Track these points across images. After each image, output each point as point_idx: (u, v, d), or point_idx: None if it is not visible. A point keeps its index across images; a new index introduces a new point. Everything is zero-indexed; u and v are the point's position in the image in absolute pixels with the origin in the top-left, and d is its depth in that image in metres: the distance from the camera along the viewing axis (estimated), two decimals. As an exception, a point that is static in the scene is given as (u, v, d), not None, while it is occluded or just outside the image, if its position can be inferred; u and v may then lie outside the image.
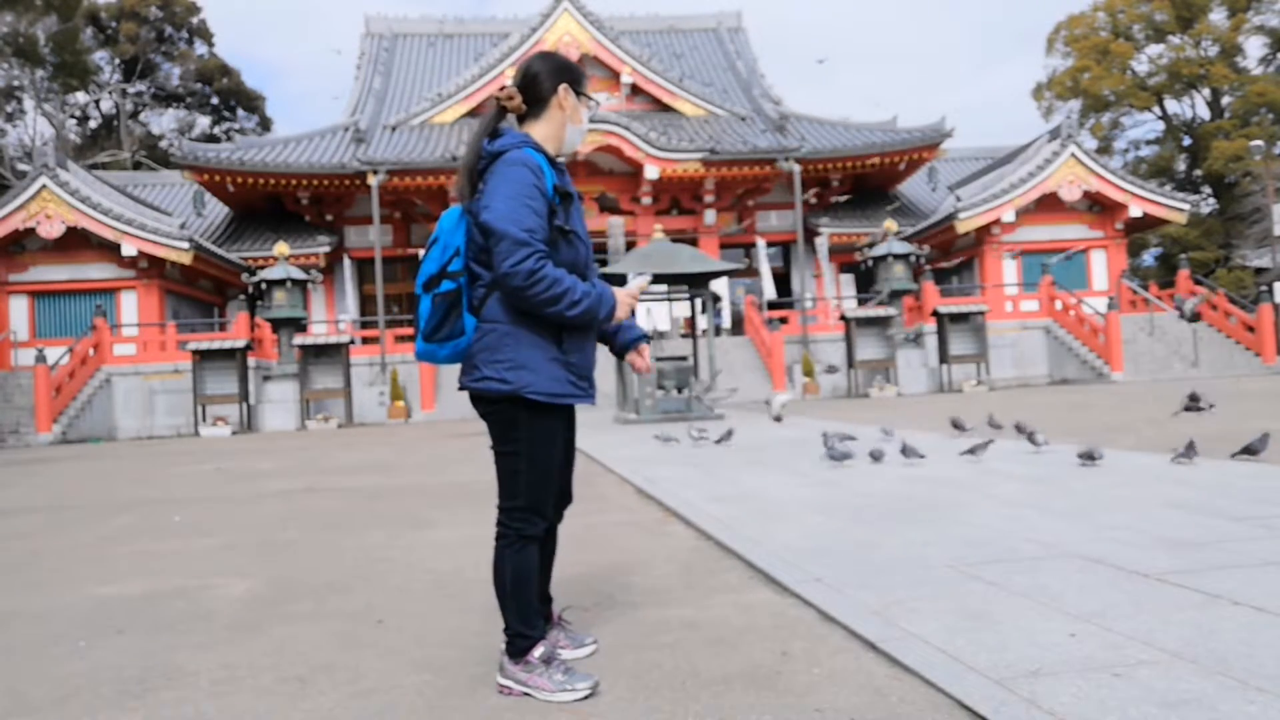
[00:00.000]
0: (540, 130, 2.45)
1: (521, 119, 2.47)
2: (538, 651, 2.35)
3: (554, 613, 2.67)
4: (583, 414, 17.69)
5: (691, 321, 16.57)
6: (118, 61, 43.65)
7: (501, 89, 2.47)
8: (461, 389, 2.45)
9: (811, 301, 26.19)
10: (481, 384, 2.35)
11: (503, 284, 2.25)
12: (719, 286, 20.21)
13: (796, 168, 26.01)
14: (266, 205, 27.64)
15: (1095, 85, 41.21)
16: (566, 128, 2.49)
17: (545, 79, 2.46)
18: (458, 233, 2.39)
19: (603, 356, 16.88)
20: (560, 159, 2.49)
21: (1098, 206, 26.24)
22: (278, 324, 21.82)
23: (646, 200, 27.24)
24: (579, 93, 2.51)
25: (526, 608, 2.39)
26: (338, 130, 28.47)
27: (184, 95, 45.85)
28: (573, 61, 2.55)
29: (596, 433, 11.61)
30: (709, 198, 27.84)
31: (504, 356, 2.32)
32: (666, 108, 30.29)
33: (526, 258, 2.20)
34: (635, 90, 30.37)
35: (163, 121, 47.06)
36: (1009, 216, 25.03)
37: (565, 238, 2.38)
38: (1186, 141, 42.78)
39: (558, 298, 2.23)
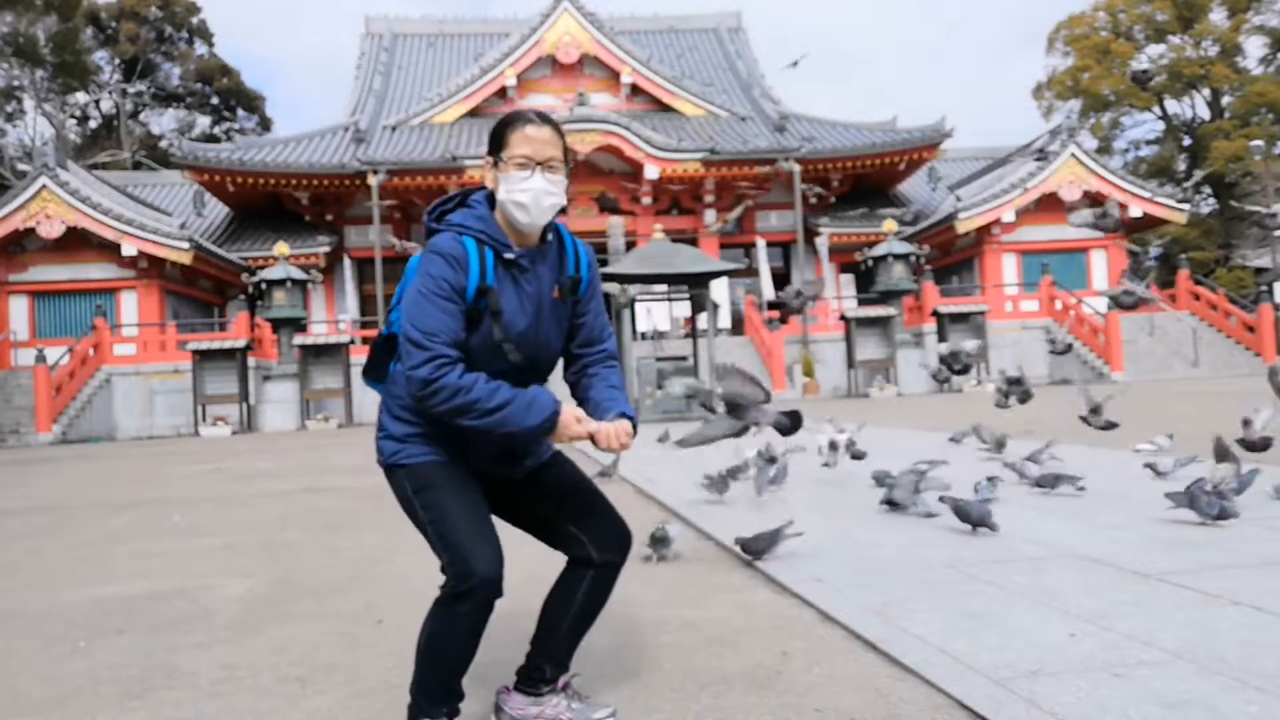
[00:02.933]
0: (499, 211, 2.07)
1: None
2: None
3: (560, 678, 2.18)
4: (583, 414, 17.73)
5: (692, 321, 16.57)
6: (118, 61, 43.64)
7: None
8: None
9: (811, 301, 26.18)
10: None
11: (406, 389, 1.98)
12: (718, 289, 20.23)
13: (796, 168, 26.00)
14: (266, 205, 27.63)
15: (1095, 85, 41.18)
16: (504, 204, 2.01)
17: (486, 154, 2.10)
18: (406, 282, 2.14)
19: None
20: (520, 251, 2.03)
21: (1098, 207, 26.22)
22: (278, 324, 21.81)
23: (646, 200, 27.24)
24: (496, 158, 2.03)
25: (433, 680, 2.04)
26: (338, 130, 28.47)
27: (184, 95, 45.86)
28: (503, 119, 2.07)
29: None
30: (709, 198, 27.84)
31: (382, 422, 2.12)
32: (666, 108, 30.29)
33: (422, 364, 1.89)
34: (635, 90, 30.37)
35: (163, 121, 47.14)
36: (1009, 216, 25.04)
37: (489, 347, 2.00)
38: (1186, 141, 42.77)
39: (461, 409, 1.90)
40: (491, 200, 2.06)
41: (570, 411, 2.01)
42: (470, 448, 2.07)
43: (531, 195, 1.98)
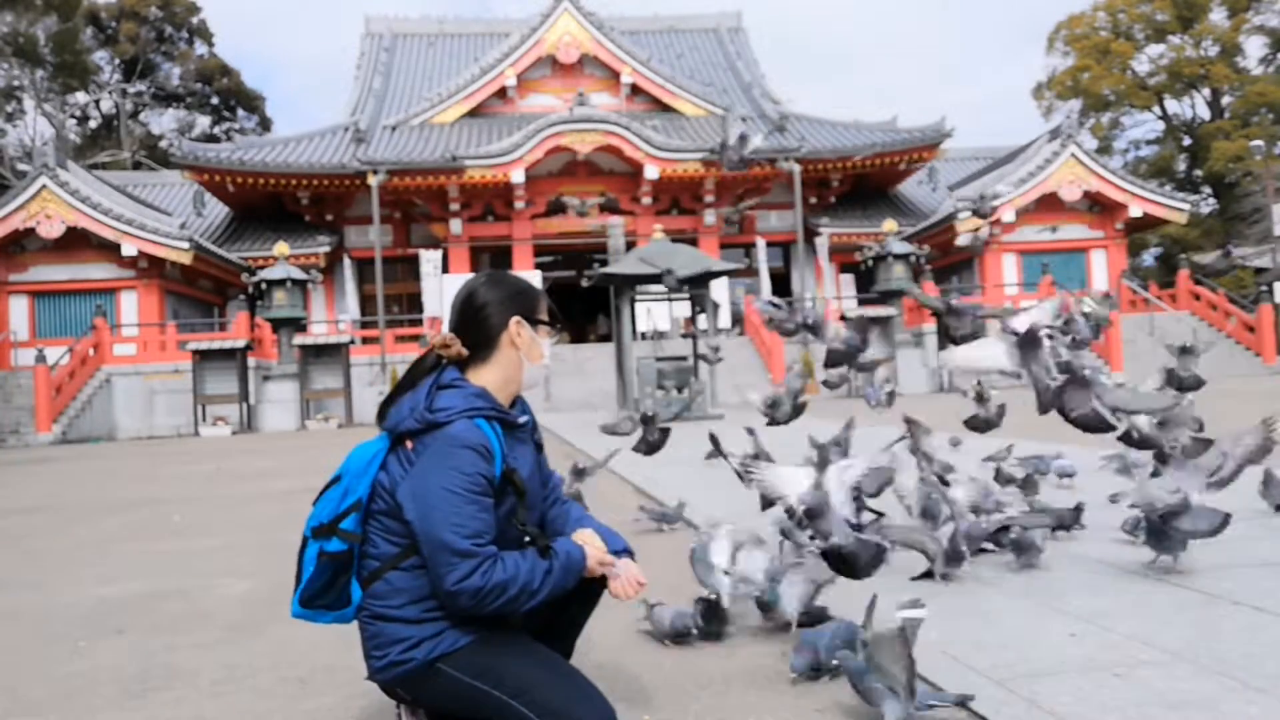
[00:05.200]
0: (490, 376, 2.00)
1: (466, 363, 2.02)
2: None
3: None
4: (582, 415, 17.59)
5: (691, 321, 16.57)
6: (118, 61, 43.63)
7: (439, 334, 2.05)
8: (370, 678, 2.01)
9: (811, 301, 26.18)
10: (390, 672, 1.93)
11: (446, 602, 1.86)
12: (718, 289, 20.22)
13: (796, 168, 25.99)
14: (266, 205, 27.63)
15: (1095, 85, 41.19)
16: (523, 368, 2.04)
17: (492, 312, 2.01)
18: (364, 480, 1.94)
19: (604, 355, 16.62)
20: (517, 411, 2.05)
21: (1098, 206, 26.24)
22: (278, 324, 21.81)
23: (646, 200, 27.23)
24: (536, 321, 2.05)
25: None
26: (338, 130, 28.46)
27: (184, 95, 45.84)
28: (524, 283, 2.09)
29: (597, 433, 11.59)
30: (709, 198, 27.83)
31: (404, 635, 1.91)
32: (667, 107, 30.28)
33: (471, 573, 1.80)
34: (635, 90, 30.36)
35: (163, 121, 47.10)
36: (1009, 216, 25.03)
37: (511, 522, 1.95)
38: (1186, 141, 42.77)
39: (513, 599, 1.84)
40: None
41: (594, 556, 1.99)
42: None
43: (549, 359, 2.10)
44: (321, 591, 2.00)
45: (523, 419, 2.05)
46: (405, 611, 1.91)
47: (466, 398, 1.93)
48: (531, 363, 2.04)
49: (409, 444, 1.93)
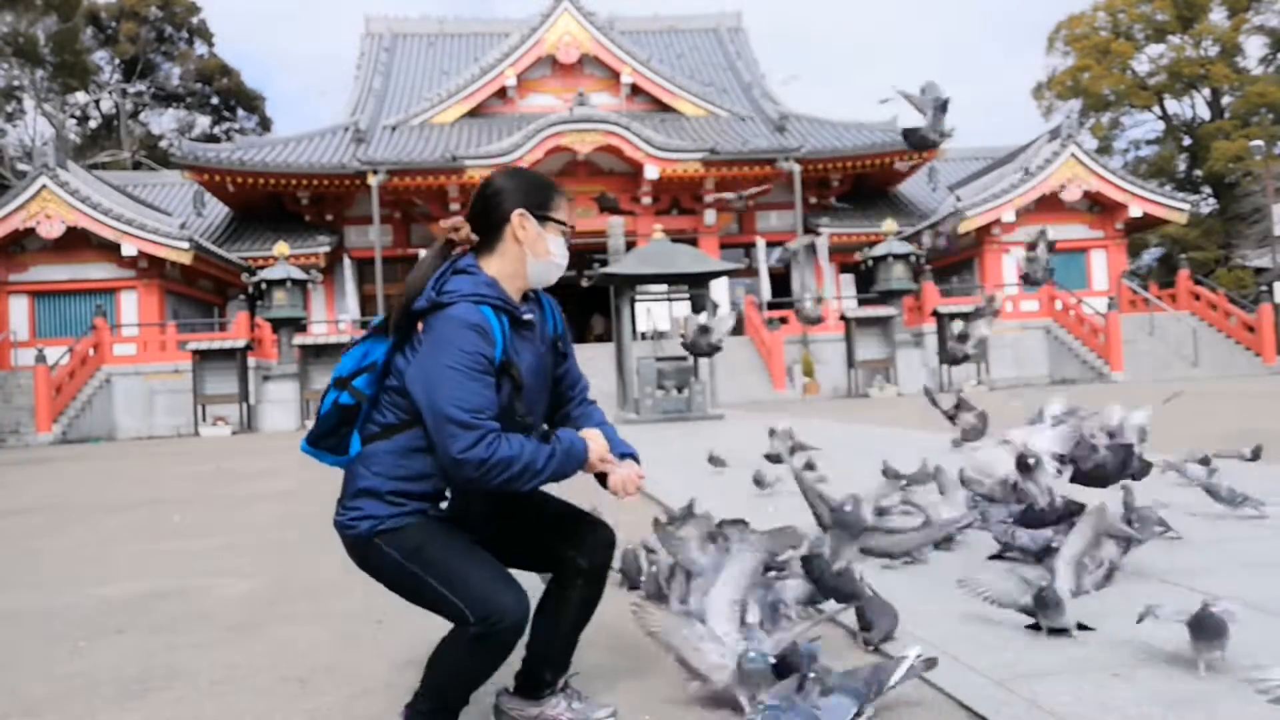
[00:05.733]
0: (495, 267, 2.03)
1: (478, 250, 2.06)
2: None
3: (559, 679, 2.18)
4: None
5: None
6: (118, 61, 43.62)
7: (449, 220, 2.08)
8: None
9: (815, 300, 26.17)
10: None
11: (451, 474, 1.92)
12: (718, 289, 20.16)
13: (796, 168, 26.00)
14: (266, 205, 27.63)
15: (1095, 85, 41.17)
16: (527, 262, 2.04)
17: (502, 201, 2.03)
18: (382, 347, 2.04)
19: (604, 354, 16.56)
20: (525, 308, 2.07)
21: (1098, 206, 26.23)
22: (278, 324, 21.81)
23: (646, 200, 27.24)
24: (544, 217, 2.05)
25: (446, 700, 2.03)
26: (338, 130, 28.46)
27: (184, 95, 45.83)
28: (542, 179, 2.11)
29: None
30: (709, 198, 27.83)
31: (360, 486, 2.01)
32: (666, 108, 30.29)
33: (476, 444, 1.85)
34: (635, 90, 30.37)
35: (163, 121, 47.08)
36: (1009, 216, 25.03)
37: (511, 408, 1.99)
38: (1186, 141, 42.76)
39: (516, 476, 1.89)
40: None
41: (595, 450, 2.04)
42: (467, 513, 2.04)
43: (565, 259, 2.09)
44: (327, 435, 2.10)
45: (528, 315, 2.07)
46: (379, 483, 1.98)
47: (475, 284, 1.98)
48: (536, 258, 2.05)
49: (419, 326, 1.99)
